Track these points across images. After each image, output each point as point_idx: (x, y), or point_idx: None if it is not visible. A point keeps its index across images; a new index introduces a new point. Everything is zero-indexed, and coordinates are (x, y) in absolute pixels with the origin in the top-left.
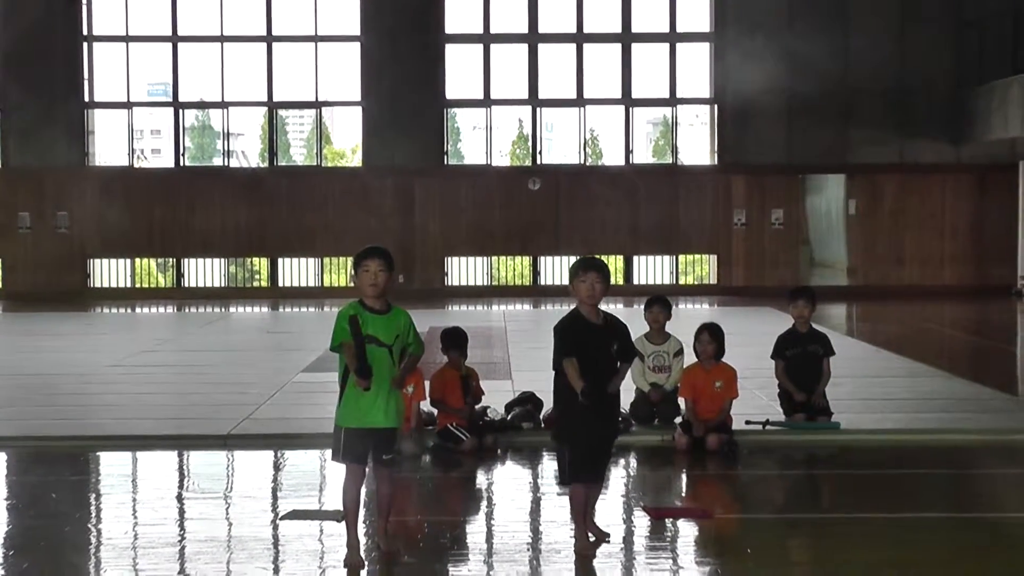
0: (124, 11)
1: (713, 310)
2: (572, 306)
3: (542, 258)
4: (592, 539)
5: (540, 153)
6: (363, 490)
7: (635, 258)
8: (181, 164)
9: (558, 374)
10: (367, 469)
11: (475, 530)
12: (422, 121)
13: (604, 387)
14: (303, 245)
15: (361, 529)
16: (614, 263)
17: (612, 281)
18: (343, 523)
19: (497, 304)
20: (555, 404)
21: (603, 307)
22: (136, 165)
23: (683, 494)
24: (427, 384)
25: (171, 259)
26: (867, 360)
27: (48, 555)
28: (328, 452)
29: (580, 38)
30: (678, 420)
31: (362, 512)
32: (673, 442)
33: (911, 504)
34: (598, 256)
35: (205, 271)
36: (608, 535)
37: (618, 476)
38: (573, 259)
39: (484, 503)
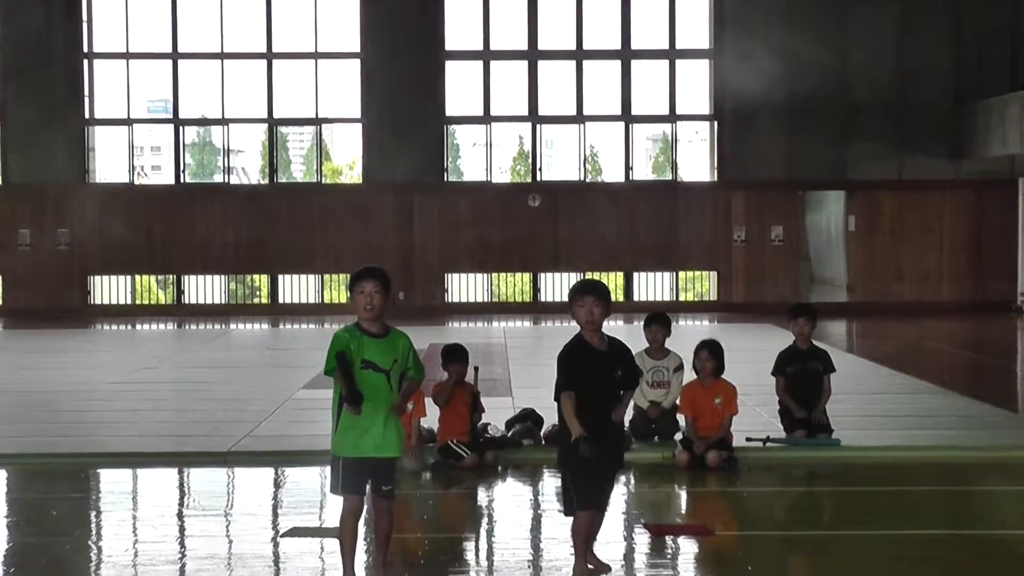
0: (124, 28)
1: (713, 327)
2: (574, 327)
3: (542, 274)
4: (591, 568)
5: (540, 169)
6: (361, 526)
7: (635, 275)
8: (181, 181)
9: (561, 404)
10: (365, 502)
11: (475, 547)
12: (422, 137)
13: (608, 415)
14: (303, 262)
15: (360, 559)
16: (614, 280)
17: (612, 298)
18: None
19: (497, 321)
20: (559, 433)
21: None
22: (136, 182)
23: (683, 511)
24: (427, 401)
25: (171, 276)
26: (867, 377)
27: (48, 572)
28: (328, 469)
29: (580, 55)
30: (678, 437)
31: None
32: (673, 459)
33: (911, 521)
34: (596, 277)
35: (205, 288)
36: (609, 568)
37: (618, 493)
38: (573, 276)
39: (484, 520)
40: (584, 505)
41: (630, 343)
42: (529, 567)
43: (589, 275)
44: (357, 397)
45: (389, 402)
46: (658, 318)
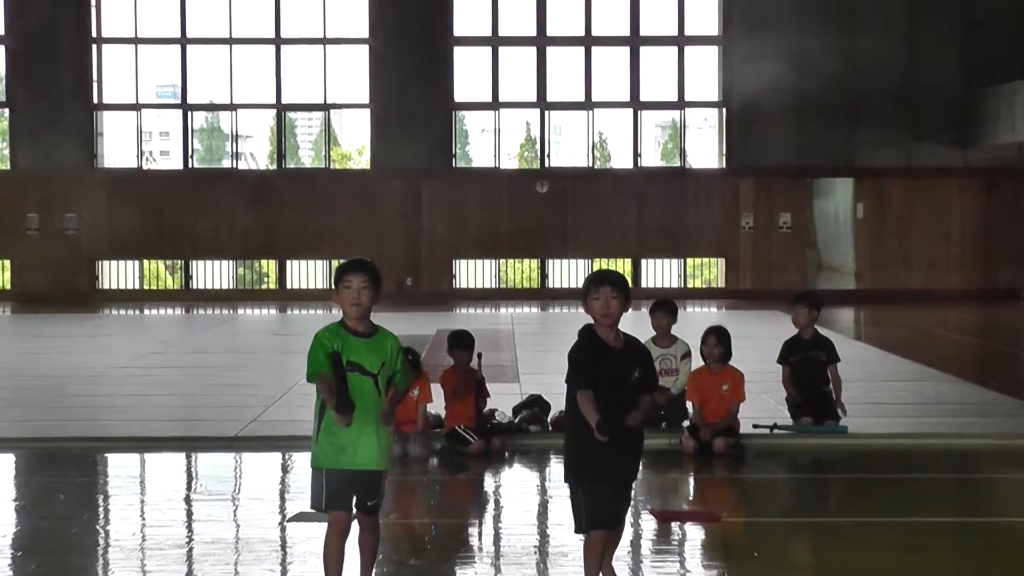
0: (133, 13)
1: (721, 313)
2: (582, 315)
3: (550, 261)
4: None
5: (548, 156)
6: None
7: (643, 261)
8: (190, 166)
9: (571, 403)
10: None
11: (482, 533)
12: (430, 124)
13: (622, 419)
14: (311, 247)
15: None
16: (622, 266)
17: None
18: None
19: (505, 307)
20: (566, 438)
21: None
22: (145, 167)
23: (690, 498)
24: (433, 387)
25: (179, 261)
26: (874, 364)
27: (55, 556)
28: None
29: (588, 41)
30: (685, 423)
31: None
32: (680, 445)
33: (918, 508)
34: (604, 264)
35: (213, 273)
36: None
37: None
38: (581, 262)
39: (491, 506)
40: (596, 522)
41: (637, 330)
42: (535, 552)
43: (597, 262)
44: (349, 405)
45: (377, 409)
46: (663, 305)
